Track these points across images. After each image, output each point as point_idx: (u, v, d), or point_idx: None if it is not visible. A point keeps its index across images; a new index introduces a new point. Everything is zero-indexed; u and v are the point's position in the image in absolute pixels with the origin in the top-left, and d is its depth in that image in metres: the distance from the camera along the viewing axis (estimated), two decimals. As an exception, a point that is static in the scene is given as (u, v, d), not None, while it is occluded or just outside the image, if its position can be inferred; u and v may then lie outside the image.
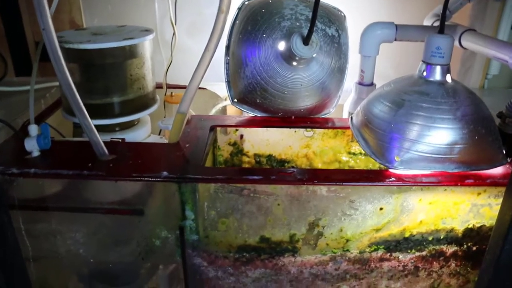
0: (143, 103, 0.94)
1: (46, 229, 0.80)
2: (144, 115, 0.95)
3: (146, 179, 0.73)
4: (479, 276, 0.78)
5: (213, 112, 1.13)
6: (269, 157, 0.99)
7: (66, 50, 0.84)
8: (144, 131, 0.98)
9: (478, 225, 0.79)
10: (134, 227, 0.78)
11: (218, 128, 0.96)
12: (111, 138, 0.85)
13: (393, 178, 0.74)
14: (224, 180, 0.73)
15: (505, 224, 0.70)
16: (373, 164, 0.98)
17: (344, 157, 0.99)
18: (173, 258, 0.81)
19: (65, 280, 0.95)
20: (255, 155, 0.99)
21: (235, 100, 0.96)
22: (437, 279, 0.83)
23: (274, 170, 0.76)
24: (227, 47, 0.93)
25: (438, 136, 0.73)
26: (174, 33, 1.06)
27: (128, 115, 0.92)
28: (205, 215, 0.76)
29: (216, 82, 1.15)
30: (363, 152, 0.97)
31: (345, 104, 1.05)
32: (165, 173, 0.73)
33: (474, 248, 0.81)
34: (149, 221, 0.78)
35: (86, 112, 0.74)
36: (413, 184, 0.74)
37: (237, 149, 0.99)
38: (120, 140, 0.85)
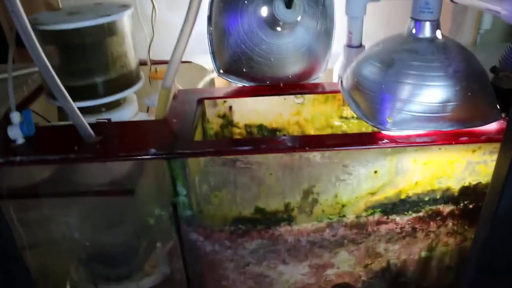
0: (127, 81, 0.92)
1: (39, 216, 0.79)
2: (129, 93, 0.92)
3: (134, 157, 0.72)
4: (476, 233, 0.77)
5: (200, 85, 1.10)
6: (260, 126, 0.97)
7: (41, 32, 0.81)
8: (130, 110, 0.96)
9: (474, 182, 0.78)
10: (126, 208, 0.77)
11: (206, 101, 0.94)
12: (97, 119, 0.83)
13: (386, 140, 0.72)
14: (213, 153, 0.71)
15: (501, 180, 0.69)
16: (366, 127, 0.96)
17: (336, 122, 0.97)
18: (169, 235, 0.80)
19: (65, 264, 0.94)
20: (246, 125, 0.97)
21: (221, 71, 0.93)
22: (434, 239, 0.83)
23: (264, 139, 0.75)
24: (209, 17, 0.90)
25: (430, 94, 0.71)
26: (153, 7, 1.03)
27: (112, 95, 0.89)
28: (197, 189, 0.75)
29: (202, 55, 1.12)
30: (355, 116, 0.96)
31: (335, 68, 1.03)
32: (153, 150, 0.71)
33: (471, 206, 0.80)
34: (141, 200, 0.76)
35: (67, 95, 0.71)
36: (406, 145, 0.72)
37: (227, 121, 0.97)
38: (106, 121, 0.83)
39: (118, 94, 0.90)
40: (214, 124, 0.97)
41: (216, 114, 0.96)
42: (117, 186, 0.76)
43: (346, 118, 0.97)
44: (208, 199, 0.76)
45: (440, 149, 0.74)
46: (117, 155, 0.72)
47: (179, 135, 0.77)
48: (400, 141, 0.72)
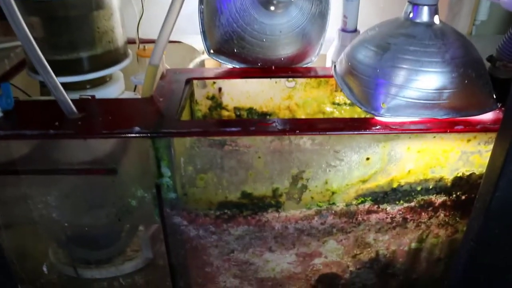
0: (113, 58, 0.88)
1: (16, 194, 0.76)
2: (115, 70, 0.89)
3: (117, 135, 0.69)
4: (468, 225, 0.75)
5: (191, 66, 1.07)
6: (250, 110, 0.94)
7: (24, 3, 0.77)
8: (117, 87, 0.92)
9: (468, 173, 0.76)
10: (108, 188, 0.74)
11: (195, 81, 0.91)
12: (80, 96, 0.80)
13: (379, 126, 0.70)
14: (199, 133, 0.68)
15: (496, 171, 0.67)
16: (358, 114, 0.94)
17: (328, 108, 0.94)
18: (152, 218, 0.77)
19: (44, 246, 0.91)
20: (235, 108, 0.94)
21: (212, 51, 0.90)
22: (425, 230, 0.81)
23: (253, 121, 0.72)
24: (201, -6, 0.87)
25: (426, 80, 0.69)
26: (144, -17, 0.99)
27: (97, 71, 0.86)
28: (182, 171, 0.72)
29: (193, 35, 1.09)
30: (348, 101, 0.93)
31: (328, 53, 1.00)
32: (137, 128, 0.68)
33: (463, 197, 0.79)
34: (123, 180, 0.73)
35: (49, 69, 0.69)
36: (400, 131, 0.70)
37: (216, 103, 0.94)
38: (90, 97, 0.80)
39: (103, 71, 0.86)
40: (203, 105, 0.94)
41: (205, 96, 0.93)
42: (99, 165, 0.73)
43: (338, 104, 0.95)
44: (193, 182, 0.73)
45: (434, 137, 0.72)
46: (99, 132, 0.69)
47: (165, 114, 0.74)
48: (393, 127, 0.70)
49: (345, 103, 0.94)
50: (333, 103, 0.94)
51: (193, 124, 0.71)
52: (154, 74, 0.77)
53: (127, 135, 0.68)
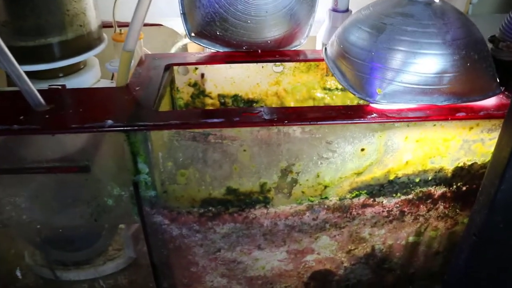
0: (86, 43, 0.81)
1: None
2: (88, 57, 0.82)
3: (87, 130, 0.63)
4: (470, 217, 0.71)
5: (172, 51, 1.01)
6: (235, 97, 0.88)
7: (-17, -18, 0.70)
8: (91, 75, 0.85)
9: (469, 163, 0.71)
10: (81, 186, 0.68)
11: (176, 68, 0.84)
12: (49, 85, 0.73)
13: (375, 114, 0.64)
14: (178, 125, 0.62)
15: (503, 161, 0.62)
16: (351, 100, 0.89)
17: (319, 94, 0.89)
18: (131, 217, 0.72)
19: (19, 249, 0.85)
20: (219, 95, 0.88)
21: (193, 34, 0.84)
22: (424, 223, 0.76)
23: (237, 111, 0.66)
24: (180, -27, 0.80)
25: (425, 63, 0.64)
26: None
27: (69, 58, 0.79)
28: (161, 167, 0.66)
29: (174, 18, 1.02)
30: (340, 87, 0.88)
31: (318, 35, 0.94)
32: (109, 121, 0.62)
33: (464, 188, 0.74)
34: (97, 178, 0.67)
35: (10, 56, 0.62)
36: (398, 120, 0.65)
37: (199, 90, 0.88)
38: (60, 87, 0.73)
39: (75, 58, 0.80)
40: (184, 93, 0.88)
41: (187, 83, 0.87)
42: (70, 162, 0.67)
43: (330, 89, 0.89)
44: (174, 178, 0.67)
45: (434, 125, 0.66)
46: (68, 127, 0.63)
47: (141, 104, 0.68)
48: (390, 115, 0.65)
49: (336, 88, 0.89)
50: (324, 89, 0.89)
51: (172, 116, 0.65)
52: (129, 60, 0.71)
53: (99, 129, 0.62)
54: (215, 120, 0.63)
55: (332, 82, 0.88)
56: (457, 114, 0.66)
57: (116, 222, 0.76)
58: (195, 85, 0.88)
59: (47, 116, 0.65)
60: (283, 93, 0.88)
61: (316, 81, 0.88)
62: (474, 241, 0.69)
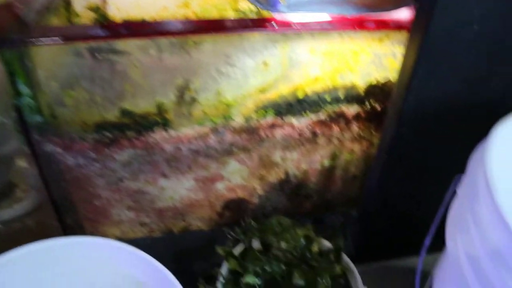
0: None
1: None
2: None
3: None
4: (383, 134, 0.69)
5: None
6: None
7: None
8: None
9: (382, 80, 0.68)
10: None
11: (70, -15, 0.76)
12: None
13: (274, 23, 0.59)
14: (59, 39, 0.55)
15: (408, 71, 0.59)
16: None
17: (231, 16, 0.82)
18: (19, 147, 0.65)
19: None
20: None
21: None
22: (338, 145, 0.73)
23: (126, 24, 0.60)
24: None
25: (331, -31, 0.59)
26: None
27: None
28: (45, 88, 0.60)
29: None
30: (255, 9, 0.81)
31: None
32: (-25, 34, 0.55)
33: (379, 109, 0.71)
34: (-29, 102, 0.60)
35: None
36: (298, 30, 0.60)
37: (100, 15, 0.80)
38: None
39: None
40: (84, 19, 0.79)
41: (87, 6, 0.79)
42: None
43: (243, 12, 0.82)
44: (61, 100, 0.61)
45: (342, 36, 0.62)
46: None
47: (21, 19, 0.60)
48: (293, 25, 0.60)
49: (251, 11, 0.82)
50: (237, 10, 0.82)
51: (50, 30, 0.58)
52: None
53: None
54: (100, 32, 0.56)
55: (244, 5, 0.81)
56: (365, 24, 0.62)
57: (3, 154, 0.69)
58: (96, 9, 0.79)
59: None
60: (193, 16, 0.81)
61: (228, 2, 0.81)
62: (385, 159, 0.67)
